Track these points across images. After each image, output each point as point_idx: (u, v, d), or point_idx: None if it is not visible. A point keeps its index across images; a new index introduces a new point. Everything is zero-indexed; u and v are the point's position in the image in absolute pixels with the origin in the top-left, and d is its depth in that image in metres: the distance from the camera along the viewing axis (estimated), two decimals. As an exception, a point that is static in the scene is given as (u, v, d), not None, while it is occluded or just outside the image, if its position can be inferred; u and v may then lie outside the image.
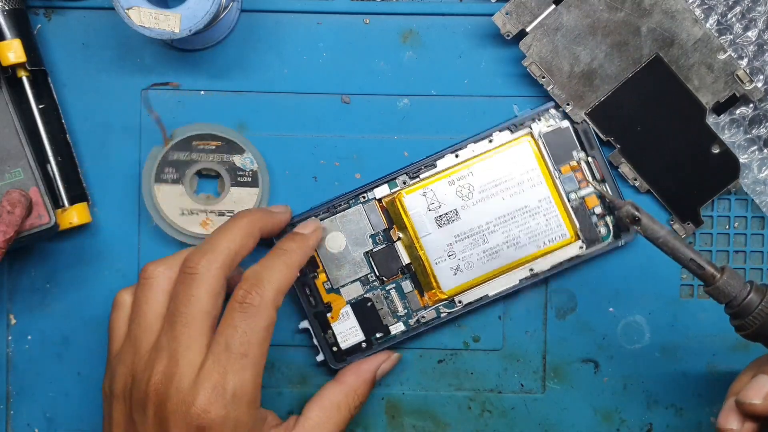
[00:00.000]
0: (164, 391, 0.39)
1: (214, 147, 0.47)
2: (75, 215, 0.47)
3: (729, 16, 0.48)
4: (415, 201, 0.47)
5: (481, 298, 0.48)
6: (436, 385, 0.50)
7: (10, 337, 0.49)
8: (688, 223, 0.48)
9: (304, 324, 0.48)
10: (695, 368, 0.50)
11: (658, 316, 0.49)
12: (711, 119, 0.47)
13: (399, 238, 0.47)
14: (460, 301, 0.48)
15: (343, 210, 0.47)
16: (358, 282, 0.48)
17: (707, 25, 0.48)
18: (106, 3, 0.48)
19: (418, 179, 0.47)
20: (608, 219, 0.48)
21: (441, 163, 0.47)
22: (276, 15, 0.49)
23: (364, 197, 0.47)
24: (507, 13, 0.46)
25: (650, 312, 0.49)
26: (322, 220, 0.47)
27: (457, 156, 0.47)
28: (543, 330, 0.50)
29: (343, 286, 0.48)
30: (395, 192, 0.47)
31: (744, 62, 0.48)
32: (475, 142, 0.47)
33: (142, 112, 0.49)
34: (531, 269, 0.48)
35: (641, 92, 0.47)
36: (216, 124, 0.48)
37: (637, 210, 0.38)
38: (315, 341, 0.48)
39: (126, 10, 0.43)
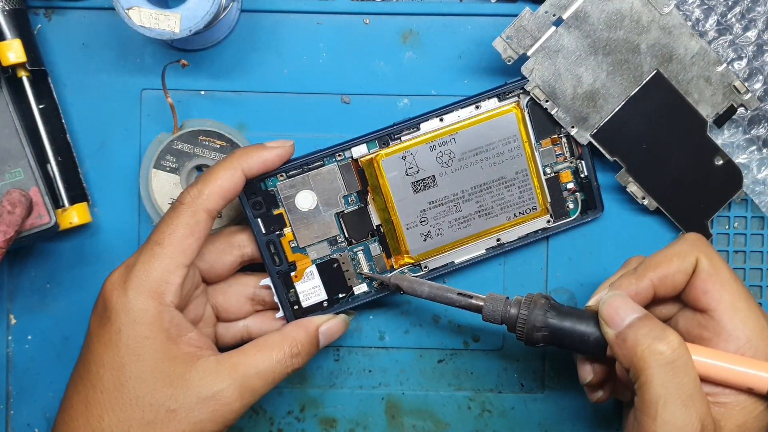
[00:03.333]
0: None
1: (218, 146, 0.47)
2: (75, 215, 0.47)
3: (729, 16, 0.48)
4: (393, 164, 0.46)
5: (447, 264, 0.48)
6: (436, 385, 0.50)
7: (10, 337, 0.49)
8: None
9: (266, 281, 0.47)
10: (695, 368, 0.50)
11: (657, 316, 0.49)
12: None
13: (372, 200, 0.46)
14: (426, 266, 0.48)
15: (317, 168, 0.46)
16: (326, 242, 0.47)
17: (707, 25, 0.48)
18: (106, 3, 0.48)
19: (399, 141, 0.46)
20: (578, 195, 0.48)
21: (425, 126, 0.46)
22: (276, 15, 0.49)
23: (340, 156, 0.46)
24: (507, 38, 0.46)
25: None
26: (293, 176, 0.46)
27: (441, 120, 0.46)
28: (543, 330, 0.50)
29: (310, 245, 0.47)
30: (374, 153, 0.46)
31: (744, 62, 0.48)
32: (461, 107, 0.46)
33: (142, 112, 0.49)
34: (498, 239, 0.48)
35: (644, 109, 0.47)
36: (226, 124, 0.48)
37: (399, 280, 0.45)
38: (275, 299, 0.46)
39: (126, 10, 0.43)
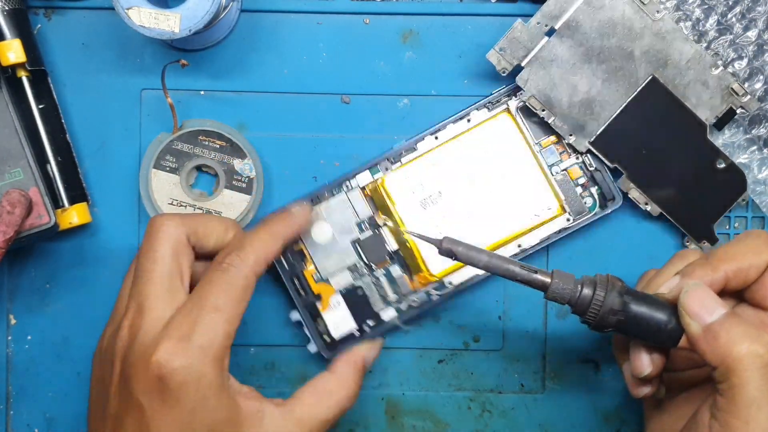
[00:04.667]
0: (128, 344, 0.38)
1: (218, 146, 0.47)
2: (75, 215, 0.47)
3: (729, 16, 0.48)
4: (397, 185, 0.47)
5: (472, 277, 0.48)
6: (436, 385, 0.50)
7: (10, 337, 0.49)
8: (704, 242, 0.48)
9: (295, 315, 0.47)
10: (695, 368, 0.50)
11: (658, 316, 0.49)
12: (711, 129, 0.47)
13: (384, 224, 0.47)
14: (450, 282, 0.48)
15: (327, 199, 0.47)
16: (347, 271, 0.47)
17: (707, 25, 0.48)
18: (106, 3, 0.48)
19: (399, 163, 0.47)
20: (593, 189, 0.48)
21: (421, 146, 0.47)
22: (276, 15, 0.49)
23: (347, 186, 0.47)
24: (501, 50, 0.46)
25: (650, 312, 0.49)
26: None
27: (436, 138, 0.47)
28: (543, 330, 0.50)
29: (332, 275, 0.47)
30: (377, 178, 0.47)
31: (744, 62, 0.48)
32: (453, 122, 0.47)
33: (142, 112, 0.49)
34: (519, 245, 0.48)
35: (642, 115, 0.47)
36: (225, 124, 0.48)
37: (453, 244, 0.39)
38: (306, 331, 0.47)
39: (126, 10, 0.43)
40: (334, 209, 0.47)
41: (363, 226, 0.47)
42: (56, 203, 0.47)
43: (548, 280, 0.39)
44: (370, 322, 0.48)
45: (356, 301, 0.48)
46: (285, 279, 0.47)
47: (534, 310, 0.50)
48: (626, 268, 0.49)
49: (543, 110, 0.46)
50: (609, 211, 0.48)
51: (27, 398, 0.50)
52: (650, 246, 0.49)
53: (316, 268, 0.47)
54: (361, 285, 0.48)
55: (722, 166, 0.47)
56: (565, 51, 0.46)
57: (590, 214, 0.48)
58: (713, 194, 0.48)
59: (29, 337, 0.49)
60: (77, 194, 0.48)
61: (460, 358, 0.50)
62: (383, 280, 0.48)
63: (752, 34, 0.48)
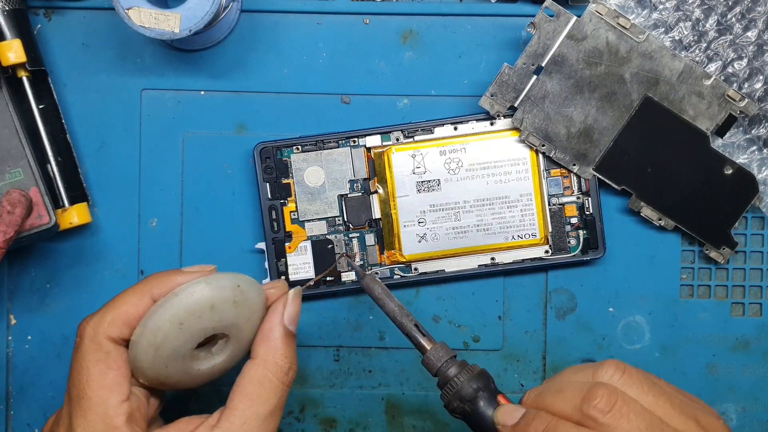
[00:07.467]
0: None
1: None
2: (75, 215, 0.47)
3: (729, 16, 0.48)
4: (402, 160, 0.48)
5: (437, 271, 0.48)
6: (436, 385, 0.50)
7: (10, 337, 0.49)
8: (724, 248, 0.48)
9: (261, 245, 0.48)
10: (695, 368, 0.50)
11: (658, 316, 0.49)
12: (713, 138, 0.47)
13: (376, 191, 0.48)
14: (416, 269, 0.48)
15: (331, 148, 0.48)
16: (324, 221, 0.48)
17: (707, 25, 0.48)
18: (106, 3, 0.48)
19: (411, 140, 0.48)
20: (581, 232, 0.48)
21: (438, 131, 0.48)
22: (276, 15, 0.49)
23: (354, 141, 0.48)
24: (492, 95, 0.47)
25: (650, 312, 0.49)
26: (307, 151, 0.48)
27: (455, 128, 0.48)
28: (543, 330, 0.50)
29: (309, 220, 0.48)
30: (386, 146, 0.48)
31: (744, 62, 0.48)
32: (477, 120, 0.48)
33: (142, 112, 0.49)
34: (492, 258, 0.48)
35: (641, 135, 0.47)
36: None
37: (373, 283, 0.41)
38: (266, 265, 0.48)
39: (126, 10, 0.43)
40: (334, 159, 0.48)
41: (355, 186, 0.48)
42: (56, 203, 0.47)
43: (428, 347, 0.40)
44: (329, 278, 0.48)
45: (323, 253, 0.48)
46: (262, 208, 0.47)
47: (534, 310, 0.50)
48: (622, 267, 0.49)
49: (543, 145, 0.47)
50: (588, 258, 0.48)
51: (27, 398, 0.50)
52: (654, 250, 0.49)
53: (296, 208, 0.48)
54: (333, 240, 0.48)
55: (730, 171, 0.47)
56: (556, 86, 0.46)
57: (569, 255, 0.48)
58: (726, 200, 0.48)
59: (29, 337, 0.50)
60: (77, 194, 0.48)
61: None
62: (355, 243, 0.48)
63: (752, 34, 0.48)
